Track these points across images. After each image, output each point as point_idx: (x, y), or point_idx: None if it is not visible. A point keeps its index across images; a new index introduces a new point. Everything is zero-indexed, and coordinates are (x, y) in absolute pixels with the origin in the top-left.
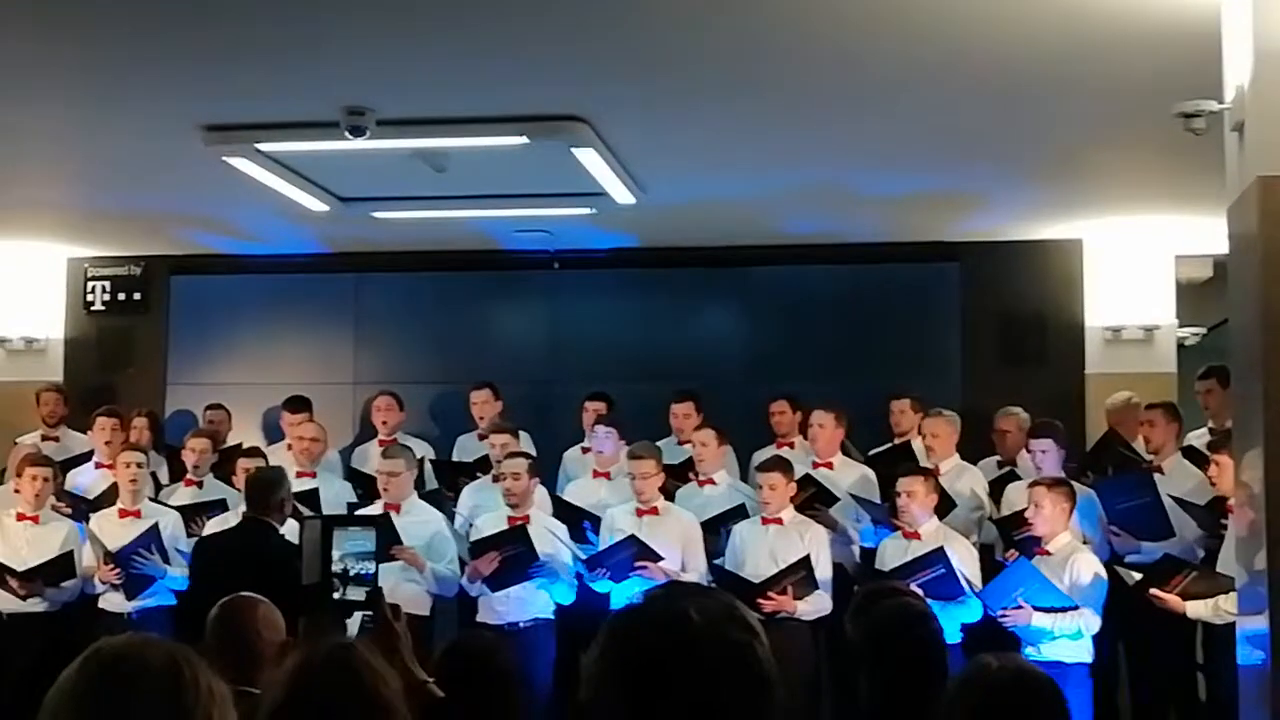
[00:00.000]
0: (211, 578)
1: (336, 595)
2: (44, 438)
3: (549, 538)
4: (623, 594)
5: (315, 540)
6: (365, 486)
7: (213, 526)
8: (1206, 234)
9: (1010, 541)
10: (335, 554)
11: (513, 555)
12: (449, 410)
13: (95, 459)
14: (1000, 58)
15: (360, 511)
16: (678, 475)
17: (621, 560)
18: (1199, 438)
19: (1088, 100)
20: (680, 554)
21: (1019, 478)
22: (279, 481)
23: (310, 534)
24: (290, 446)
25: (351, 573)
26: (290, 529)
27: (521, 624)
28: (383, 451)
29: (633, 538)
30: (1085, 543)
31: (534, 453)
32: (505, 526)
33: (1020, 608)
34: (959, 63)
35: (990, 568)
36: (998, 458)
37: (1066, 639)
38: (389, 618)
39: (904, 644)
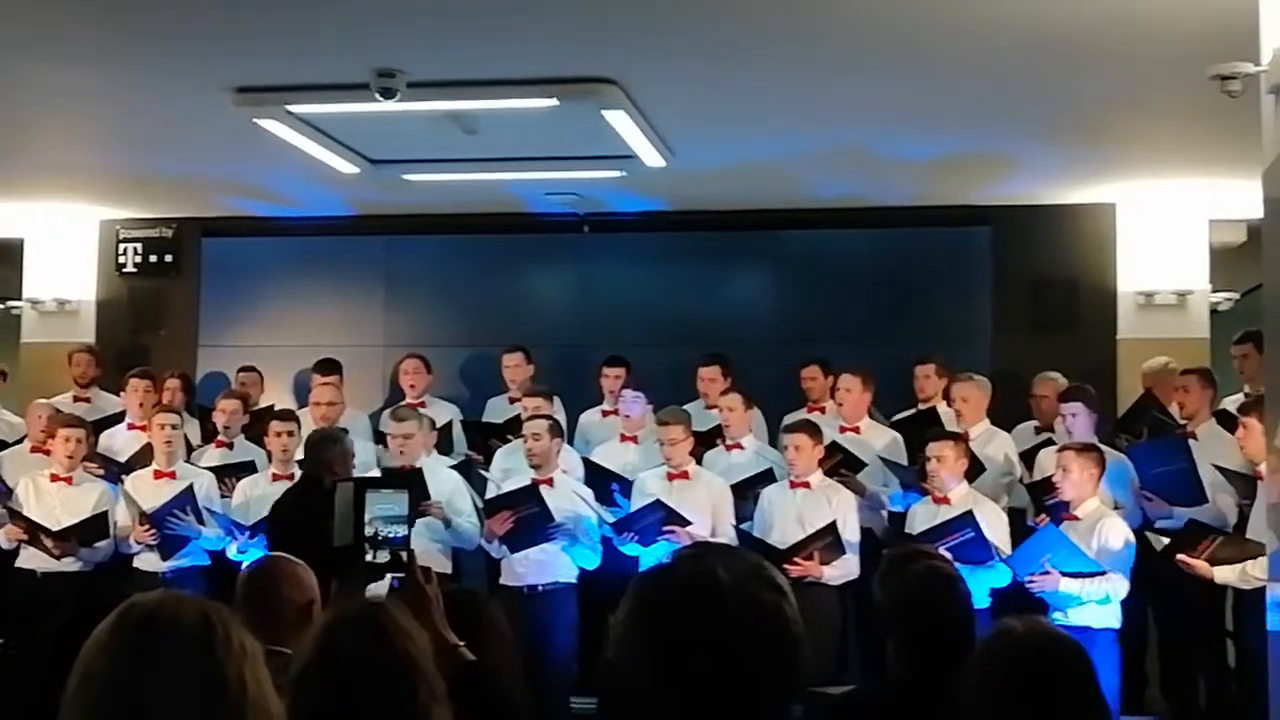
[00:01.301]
0: (279, 538)
1: (367, 558)
2: (75, 399)
3: (571, 499)
4: (651, 557)
5: (347, 502)
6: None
7: (242, 488)
8: (1241, 198)
9: (1040, 506)
10: (365, 516)
11: (527, 515)
12: (478, 373)
13: (128, 420)
14: (1033, 18)
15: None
16: (706, 441)
17: (649, 524)
18: (1234, 402)
19: (1121, 62)
20: (710, 518)
21: (1056, 443)
22: (328, 441)
23: (343, 495)
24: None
25: (380, 536)
26: None
27: (541, 587)
28: (392, 413)
29: (658, 502)
30: (1116, 508)
31: (564, 417)
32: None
33: (1048, 573)
34: (992, 24)
35: (1022, 532)
36: (1035, 423)
37: (1094, 604)
38: (420, 580)
39: (932, 607)
